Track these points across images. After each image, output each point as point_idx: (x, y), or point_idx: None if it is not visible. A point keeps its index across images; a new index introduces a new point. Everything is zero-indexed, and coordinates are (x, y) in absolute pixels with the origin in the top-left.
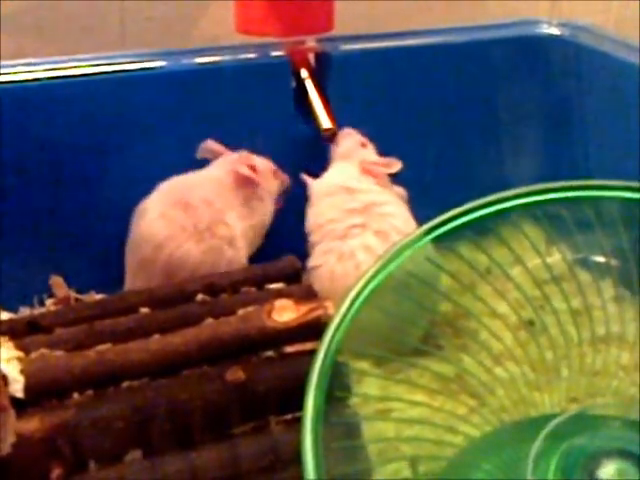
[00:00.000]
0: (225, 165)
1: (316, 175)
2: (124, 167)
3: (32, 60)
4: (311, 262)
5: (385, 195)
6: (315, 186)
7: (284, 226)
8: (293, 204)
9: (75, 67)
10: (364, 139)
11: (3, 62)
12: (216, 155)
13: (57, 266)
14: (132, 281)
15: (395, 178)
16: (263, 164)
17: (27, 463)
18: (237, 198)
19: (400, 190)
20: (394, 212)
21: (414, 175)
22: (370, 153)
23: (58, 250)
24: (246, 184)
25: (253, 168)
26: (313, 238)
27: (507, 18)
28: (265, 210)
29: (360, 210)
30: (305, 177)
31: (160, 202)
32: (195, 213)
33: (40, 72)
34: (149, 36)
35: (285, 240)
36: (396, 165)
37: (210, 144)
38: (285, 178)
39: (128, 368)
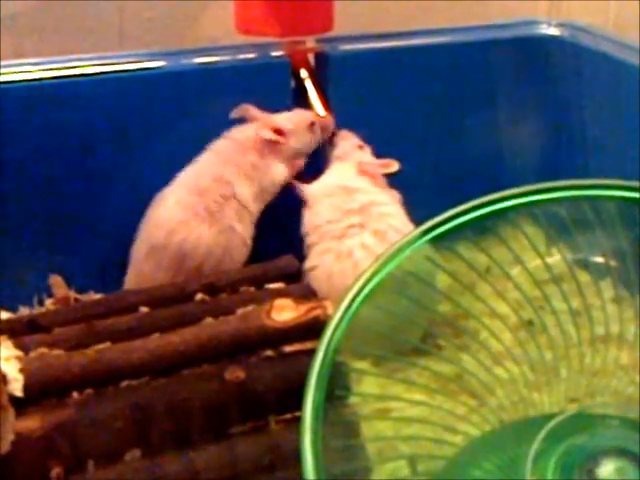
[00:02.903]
0: (248, 130)
1: (312, 176)
2: (123, 167)
3: (31, 60)
4: (308, 263)
5: (383, 195)
6: (312, 189)
7: (283, 226)
8: (292, 204)
9: (74, 67)
10: (361, 142)
11: (3, 62)
12: (252, 119)
13: (56, 266)
14: (138, 269)
15: (395, 177)
16: (297, 121)
17: (26, 462)
18: (251, 156)
19: (395, 193)
20: (392, 212)
21: (413, 174)
22: (367, 155)
23: (57, 250)
24: (267, 145)
25: (278, 131)
26: (310, 240)
27: (506, 19)
28: (276, 167)
29: (358, 210)
30: (298, 185)
31: (177, 189)
32: (208, 195)
33: (39, 72)
34: (148, 36)
35: (284, 240)
36: (394, 165)
37: (248, 108)
38: (326, 124)
39: (127, 367)
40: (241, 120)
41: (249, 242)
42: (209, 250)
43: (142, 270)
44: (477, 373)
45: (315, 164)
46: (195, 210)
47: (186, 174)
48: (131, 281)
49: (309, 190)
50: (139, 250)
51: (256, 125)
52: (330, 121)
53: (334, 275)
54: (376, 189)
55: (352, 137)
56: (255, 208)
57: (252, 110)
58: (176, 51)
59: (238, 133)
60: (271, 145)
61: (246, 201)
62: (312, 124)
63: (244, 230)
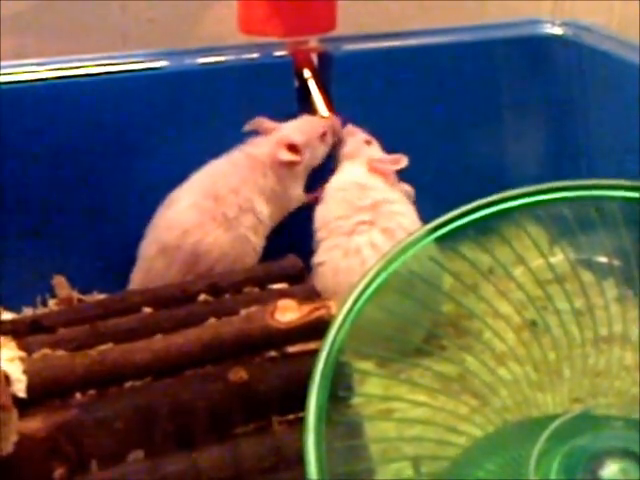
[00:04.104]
0: (264, 145)
1: (317, 173)
2: (126, 167)
3: (33, 60)
4: (316, 258)
5: (394, 193)
6: (327, 186)
7: (287, 225)
8: None
9: (77, 67)
10: (368, 136)
11: (3, 62)
12: (266, 132)
13: (60, 266)
14: (147, 268)
15: (399, 177)
16: (309, 133)
17: (29, 462)
18: (271, 179)
19: (407, 187)
20: (402, 211)
21: (416, 174)
22: (376, 150)
23: (61, 250)
24: (285, 165)
25: (293, 148)
26: (320, 235)
27: (509, 18)
28: (295, 189)
29: (369, 207)
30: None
31: (191, 192)
32: (224, 203)
33: (41, 72)
34: (151, 36)
35: (288, 239)
36: (403, 161)
37: (262, 121)
38: (336, 128)
39: (130, 368)
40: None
41: (260, 250)
42: (222, 254)
43: (152, 269)
44: (480, 373)
45: (322, 162)
46: (212, 214)
47: (200, 179)
48: (139, 279)
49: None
50: (149, 249)
51: (271, 142)
52: (338, 124)
53: (341, 272)
54: (388, 186)
55: (359, 132)
56: (270, 224)
57: (266, 122)
58: (179, 51)
59: (254, 148)
60: (288, 164)
61: (264, 217)
62: (324, 134)
63: (257, 240)
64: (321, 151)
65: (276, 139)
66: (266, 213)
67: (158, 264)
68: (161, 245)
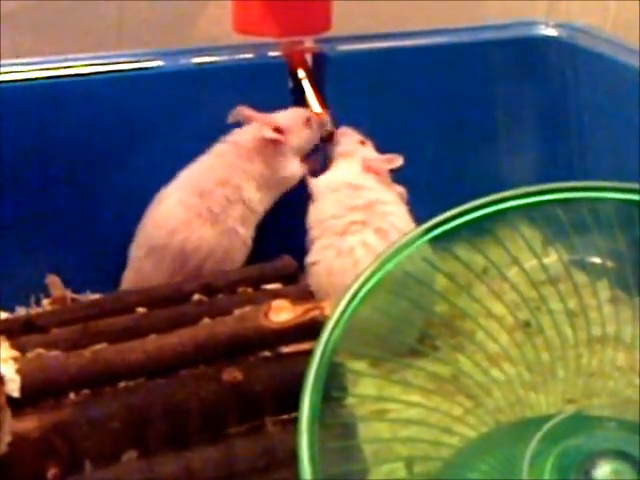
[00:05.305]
0: (248, 132)
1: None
2: (121, 166)
3: (30, 60)
4: (309, 258)
5: (388, 194)
6: (319, 183)
7: (281, 226)
8: (290, 203)
9: (73, 67)
10: (362, 137)
11: (1, 62)
12: (248, 120)
13: (54, 265)
14: (137, 268)
15: (393, 177)
16: (293, 117)
17: (23, 463)
18: (258, 163)
19: (401, 189)
20: (395, 211)
21: (411, 175)
22: (370, 150)
23: (55, 249)
24: (270, 146)
25: (278, 129)
26: (313, 234)
27: (504, 19)
28: (288, 167)
29: (362, 207)
30: (308, 178)
31: (178, 189)
32: (210, 197)
33: (38, 72)
34: (147, 36)
35: (282, 240)
36: (397, 161)
37: (243, 109)
38: (322, 119)
39: (124, 368)
40: (238, 124)
41: (250, 243)
42: (210, 251)
43: (141, 269)
44: (474, 374)
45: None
46: (198, 211)
47: (186, 175)
48: (129, 280)
49: (315, 184)
50: (138, 249)
51: (255, 126)
52: (325, 117)
53: (334, 271)
54: (381, 187)
55: (352, 133)
56: (262, 209)
57: (247, 111)
58: (174, 51)
59: (239, 136)
60: (273, 145)
61: (254, 205)
62: (308, 119)
63: (246, 232)
64: (306, 136)
65: (260, 122)
66: (257, 200)
67: (148, 264)
68: (149, 245)
